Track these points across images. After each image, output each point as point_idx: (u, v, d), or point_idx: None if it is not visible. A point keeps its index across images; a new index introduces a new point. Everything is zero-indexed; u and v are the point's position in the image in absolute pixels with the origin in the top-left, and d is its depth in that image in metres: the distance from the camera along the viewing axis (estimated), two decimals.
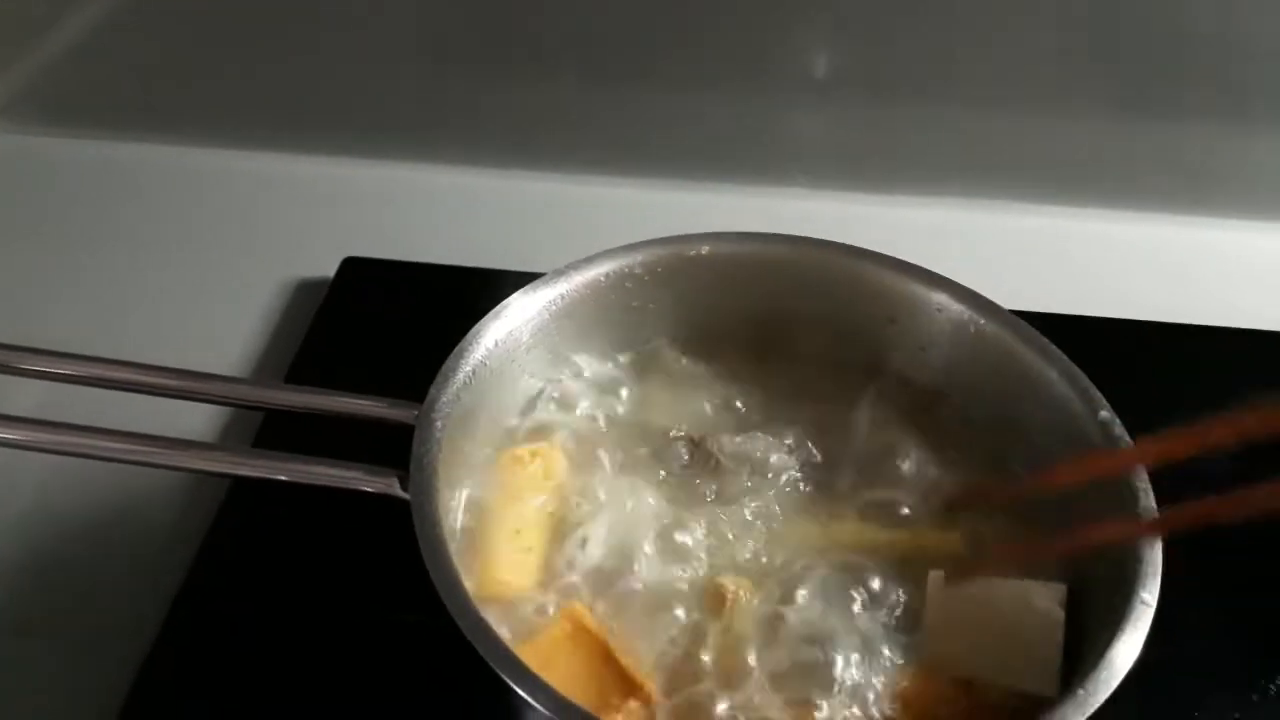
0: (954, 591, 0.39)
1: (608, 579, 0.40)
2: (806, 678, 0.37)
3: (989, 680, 0.38)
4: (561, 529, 0.42)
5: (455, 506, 0.42)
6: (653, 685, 0.37)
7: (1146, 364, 0.58)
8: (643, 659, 0.38)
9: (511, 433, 0.45)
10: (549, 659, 0.36)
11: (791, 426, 0.45)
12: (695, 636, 0.39)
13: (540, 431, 0.45)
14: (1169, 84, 0.65)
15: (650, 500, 0.43)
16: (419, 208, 0.70)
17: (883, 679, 0.38)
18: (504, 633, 0.36)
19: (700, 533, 0.42)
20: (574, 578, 0.40)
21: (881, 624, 0.39)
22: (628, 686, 0.37)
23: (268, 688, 0.44)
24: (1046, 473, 0.41)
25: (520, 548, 0.40)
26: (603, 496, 0.42)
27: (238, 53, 0.70)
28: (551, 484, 0.43)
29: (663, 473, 0.44)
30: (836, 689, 0.37)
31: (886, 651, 0.38)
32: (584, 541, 0.41)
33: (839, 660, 0.38)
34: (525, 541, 0.41)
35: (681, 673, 0.38)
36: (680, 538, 0.41)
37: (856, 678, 0.37)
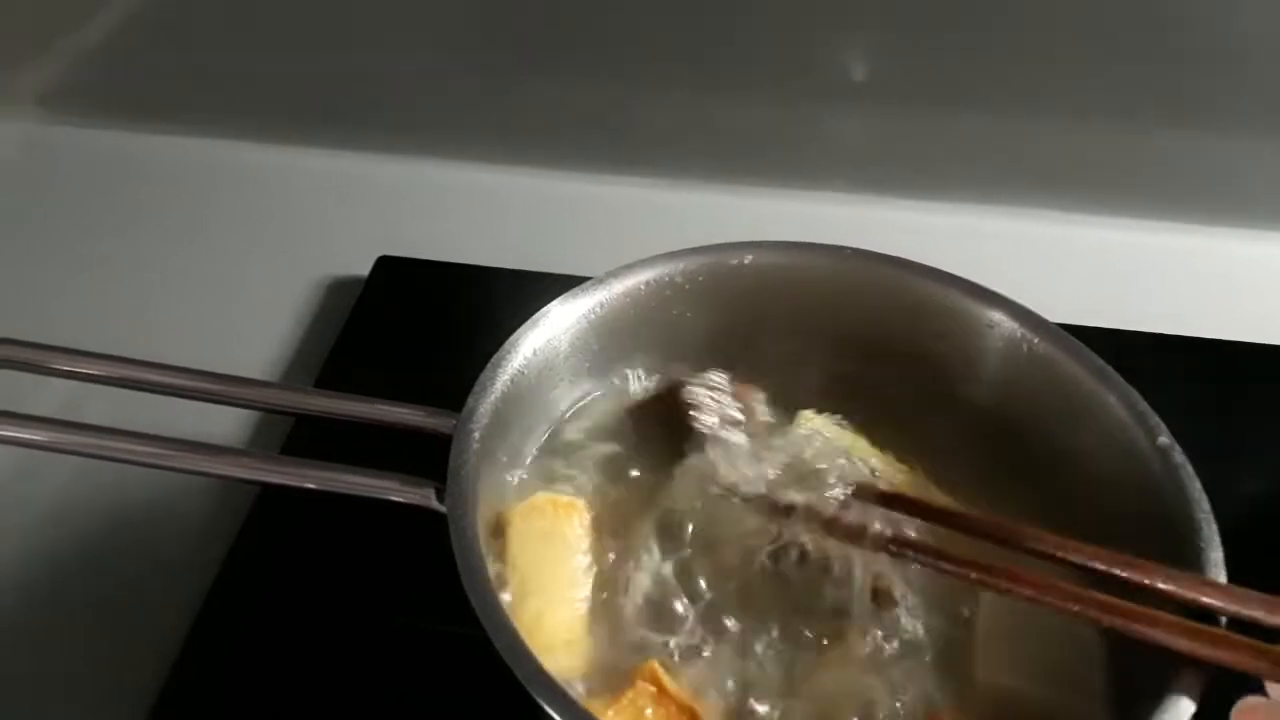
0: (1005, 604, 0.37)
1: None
2: None
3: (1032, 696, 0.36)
4: (602, 584, 0.40)
5: (493, 526, 0.40)
6: None
7: (1197, 381, 0.56)
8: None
9: (546, 456, 0.44)
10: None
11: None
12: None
13: (570, 457, 0.44)
14: (1222, 96, 0.64)
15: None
16: (455, 206, 0.69)
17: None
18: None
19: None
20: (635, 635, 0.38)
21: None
22: None
23: (296, 695, 0.44)
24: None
25: (566, 605, 0.38)
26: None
27: (275, 47, 0.69)
28: (585, 538, 0.41)
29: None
30: None
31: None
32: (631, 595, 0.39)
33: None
34: (564, 609, 0.38)
35: None
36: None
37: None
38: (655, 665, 0.36)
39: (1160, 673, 0.33)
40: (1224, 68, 0.62)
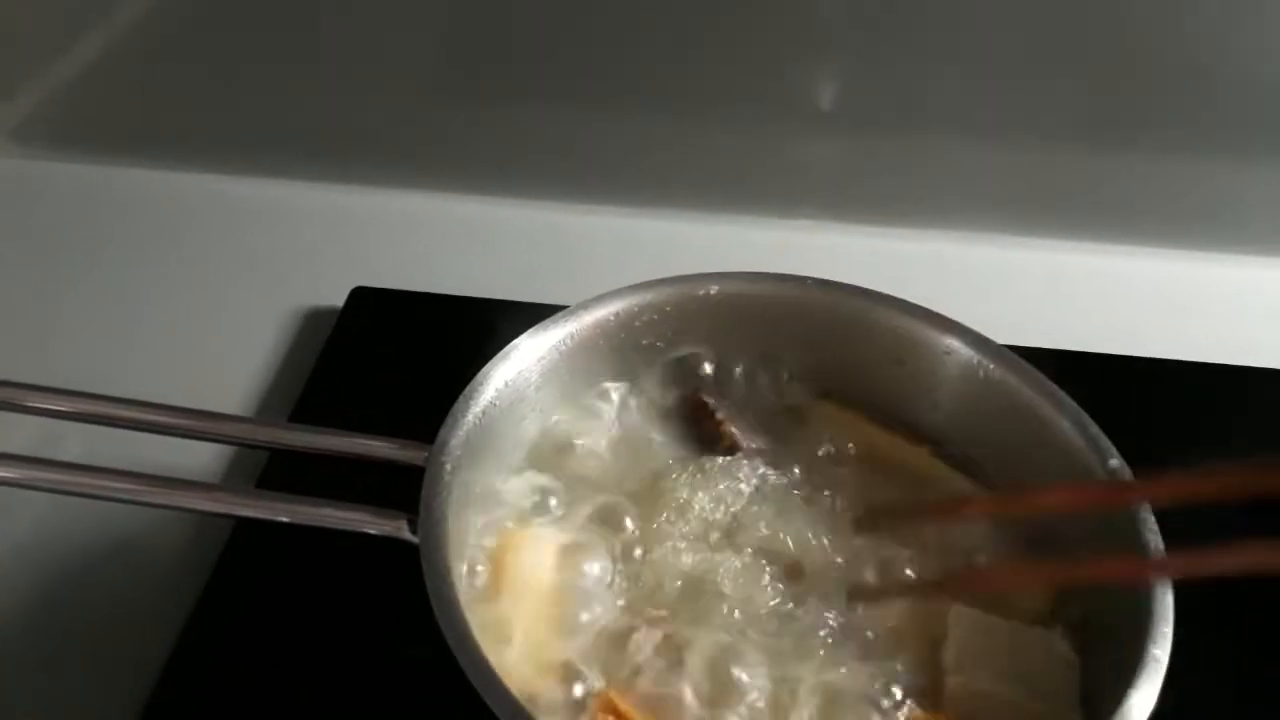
0: (972, 625, 0.39)
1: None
2: None
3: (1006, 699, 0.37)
4: (568, 619, 0.40)
5: (466, 557, 0.41)
6: None
7: (1149, 401, 0.58)
8: None
9: (514, 487, 0.45)
10: None
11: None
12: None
13: (545, 487, 0.45)
14: (1175, 119, 0.66)
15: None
16: (429, 237, 0.70)
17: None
18: None
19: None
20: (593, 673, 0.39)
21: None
22: None
23: None
24: (1040, 491, 0.41)
25: (531, 643, 0.39)
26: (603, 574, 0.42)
27: (248, 81, 0.70)
28: (557, 569, 0.41)
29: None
30: None
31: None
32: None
33: None
34: (535, 637, 0.39)
35: None
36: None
37: None
38: (609, 693, 0.37)
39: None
40: (1185, 93, 0.64)
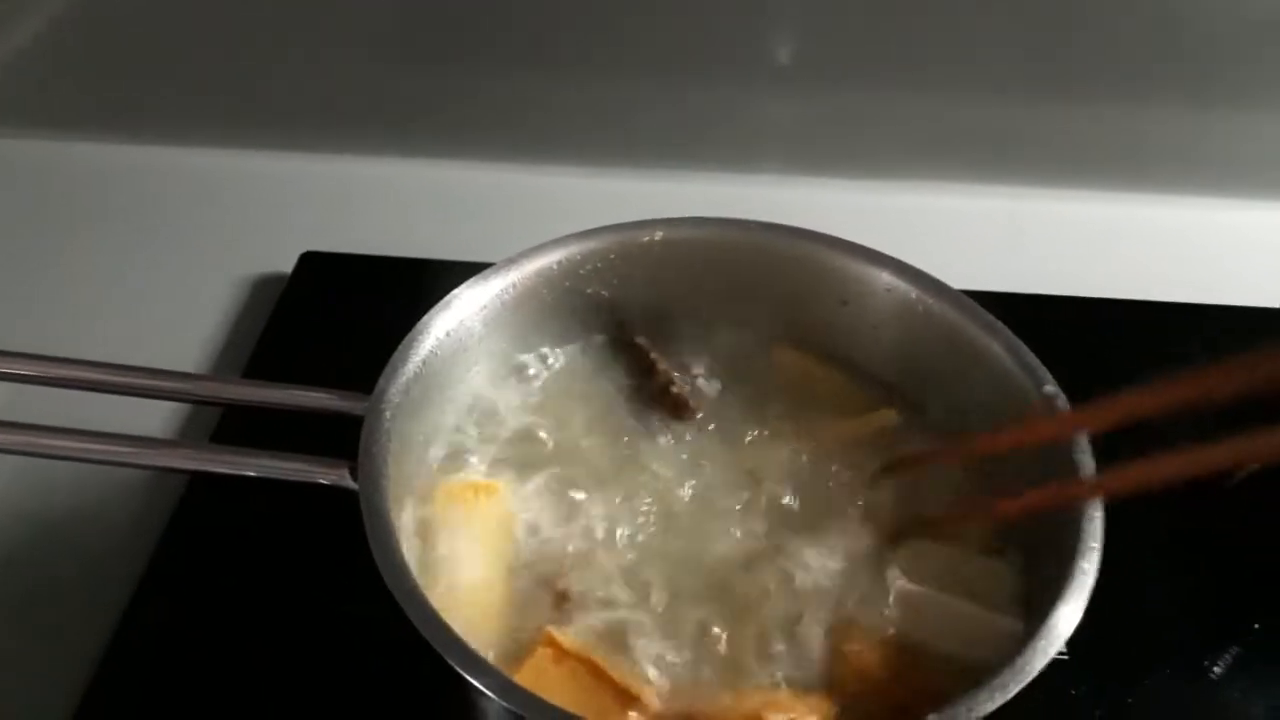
0: (916, 598, 0.40)
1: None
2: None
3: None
4: (516, 565, 0.41)
5: (409, 506, 0.41)
6: (650, 692, 0.37)
7: (1096, 338, 0.59)
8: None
9: (463, 434, 0.45)
10: (535, 682, 0.35)
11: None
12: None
13: (489, 435, 0.45)
14: (1125, 66, 0.66)
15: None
16: (378, 202, 0.70)
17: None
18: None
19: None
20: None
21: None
22: (624, 698, 0.36)
23: (226, 684, 0.44)
24: (990, 436, 0.42)
25: (482, 591, 0.39)
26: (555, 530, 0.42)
27: (191, 50, 0.69)
28: (503, 518, 0.42)
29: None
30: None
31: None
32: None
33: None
34: (485, 584, 0.40)
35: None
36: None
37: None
38: (550, 630, 0.38)
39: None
40: (1136, 40, 0.65)
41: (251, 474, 0.39)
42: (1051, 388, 0.40)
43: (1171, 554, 0.49)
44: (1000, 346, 0.42)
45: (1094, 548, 0.35)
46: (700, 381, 0.48)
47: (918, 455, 0.44)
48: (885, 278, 0.45)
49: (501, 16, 0.67)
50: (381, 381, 0.40)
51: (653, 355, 0.47)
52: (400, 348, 0.41)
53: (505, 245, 0.51)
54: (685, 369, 0.48)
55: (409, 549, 0.38)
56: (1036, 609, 0.36)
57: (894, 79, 0.68)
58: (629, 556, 0.41)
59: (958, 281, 0.45)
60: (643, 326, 0.49)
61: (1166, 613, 0.48)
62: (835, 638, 0.38)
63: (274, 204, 0.70)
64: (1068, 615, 0.34)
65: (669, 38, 0.67)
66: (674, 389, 0.46)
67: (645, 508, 0.42)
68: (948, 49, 0.66)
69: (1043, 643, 0.33)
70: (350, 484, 0.38)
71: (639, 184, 0.71)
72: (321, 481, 0.38)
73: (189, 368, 0.58)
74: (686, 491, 0.43)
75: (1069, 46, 0.66)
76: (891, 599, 0.39)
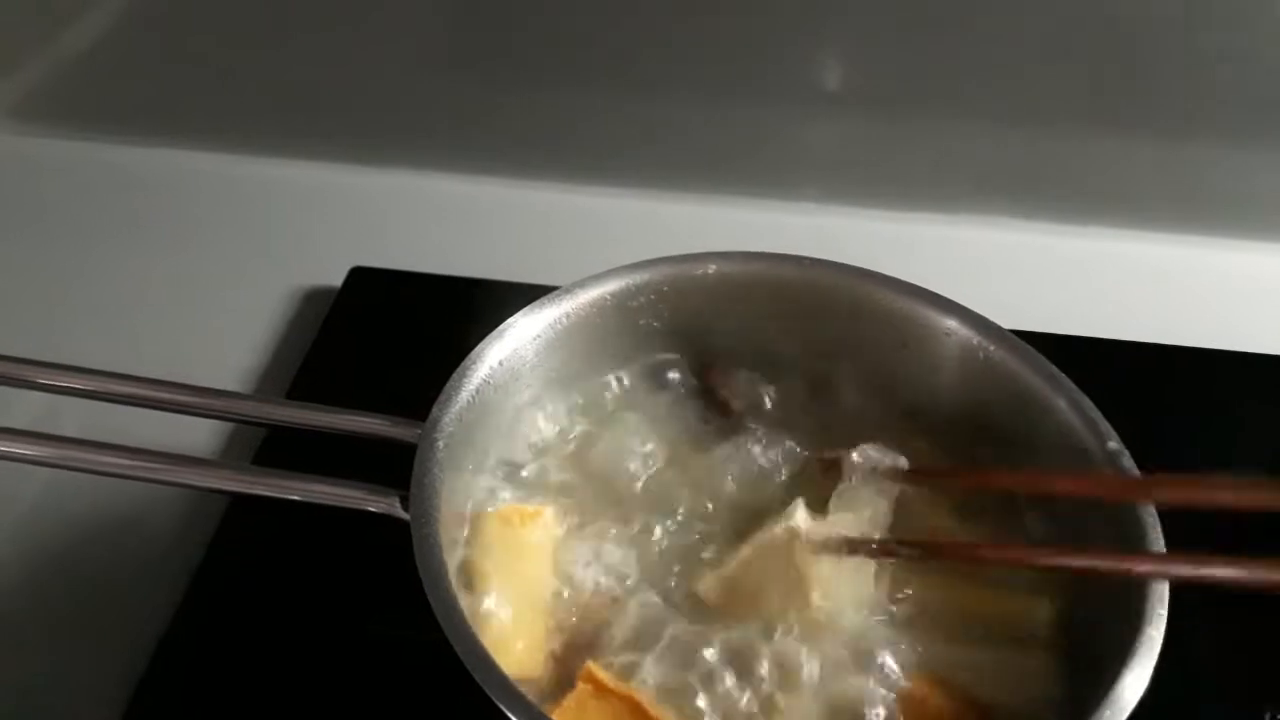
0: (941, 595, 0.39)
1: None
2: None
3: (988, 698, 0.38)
4: (560, 597, 0.41)
5: (459, 534, 0.41)
6: None
7: (1147, 386, 0.57)
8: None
9: (512, 464, 0.45)
10: (575, 719, 0.35)
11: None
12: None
13: (539, 465, 0.45)
14: (1181, 104, 0.65)
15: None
16: (428, 217, 0.70)
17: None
18: None
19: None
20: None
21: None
22: None
23: (266, 705, 0.44)
24: (1045, 474, 0.41)
25: (520, 620, 0.39)
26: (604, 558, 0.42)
27: (248, 58, 0.70)
28: (549, 548, 0.41)
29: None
30: None
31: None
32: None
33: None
34: (524, 614, 0.39)
35: None
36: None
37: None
38: (591, 665, 0.37)
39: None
40: (1187, 78, 0.64)
41: (297, 498, 0.39)
42: (1115, 444, 0.40)
43: (1224, 610, 0.48)
44: (1062, 399, 0.41)
45: (1161, 614, 0.34)
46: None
47: (949, 470, 0.43)
48: (947, 322, 0.44)
49: (556, 36, 0.67)
50: (436, 410, 0.40)
51: (723, 393, 0.46)
52: (454, 376, 0.41)
53: (551, 265, 0.51)
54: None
55: (454, 577, 0.38)
56: (1094, 668, 0.35)
57: (938, 110, 0.67)
58: (679, 591, 0.41)
59: (998, 319, 0.44)
60: (694, 360, 0.48)
61: (1224, 662, 0.46)
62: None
63: (324, 216, 0.70)
64: (1133, 683, 0.33)
65: (718, 63, 0.67)
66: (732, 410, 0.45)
67: (695, 540, 0.42)
68: (998, 80, 0.66)
69: (1108, 712, 0.32)
70: (401, 514, 0.37)
71: (680, 207, 0.70)
72: (371, 510, 0.38)
73: (234, 381, 0.59)
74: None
75: (1122, 81, 0.65)
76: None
